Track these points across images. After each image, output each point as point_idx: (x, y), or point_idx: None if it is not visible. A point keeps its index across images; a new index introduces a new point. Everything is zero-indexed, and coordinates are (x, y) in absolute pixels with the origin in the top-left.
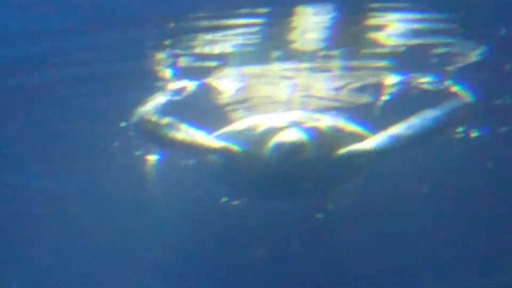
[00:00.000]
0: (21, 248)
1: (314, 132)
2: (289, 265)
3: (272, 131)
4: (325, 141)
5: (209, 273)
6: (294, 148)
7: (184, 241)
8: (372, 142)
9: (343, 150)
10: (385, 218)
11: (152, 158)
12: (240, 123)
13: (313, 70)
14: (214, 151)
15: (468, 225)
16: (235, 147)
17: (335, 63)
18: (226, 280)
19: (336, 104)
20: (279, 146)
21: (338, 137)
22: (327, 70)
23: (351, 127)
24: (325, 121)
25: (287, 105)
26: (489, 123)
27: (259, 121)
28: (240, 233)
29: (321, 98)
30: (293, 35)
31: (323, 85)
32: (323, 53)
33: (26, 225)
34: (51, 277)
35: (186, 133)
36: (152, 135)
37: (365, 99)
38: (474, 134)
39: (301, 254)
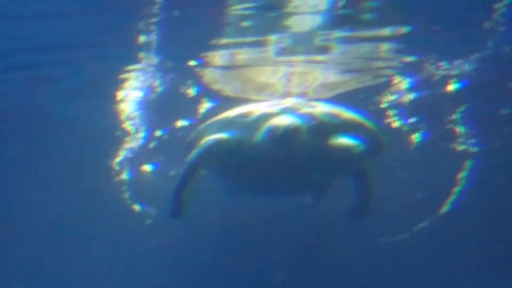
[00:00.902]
0: None
1: (309, 118)
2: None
3: (266, 118)
4: (320, 127)
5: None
6: (287, 132)
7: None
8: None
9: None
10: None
11: (147, 168)
12: (233, 111)
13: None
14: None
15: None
16: (224, 136)
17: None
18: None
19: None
20: (272, 131)
21: (334, 123)
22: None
23: (348, 113)
24: (321, 108)
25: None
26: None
27: (252, 108)
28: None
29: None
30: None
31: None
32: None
33: None
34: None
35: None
36: None
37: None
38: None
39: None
